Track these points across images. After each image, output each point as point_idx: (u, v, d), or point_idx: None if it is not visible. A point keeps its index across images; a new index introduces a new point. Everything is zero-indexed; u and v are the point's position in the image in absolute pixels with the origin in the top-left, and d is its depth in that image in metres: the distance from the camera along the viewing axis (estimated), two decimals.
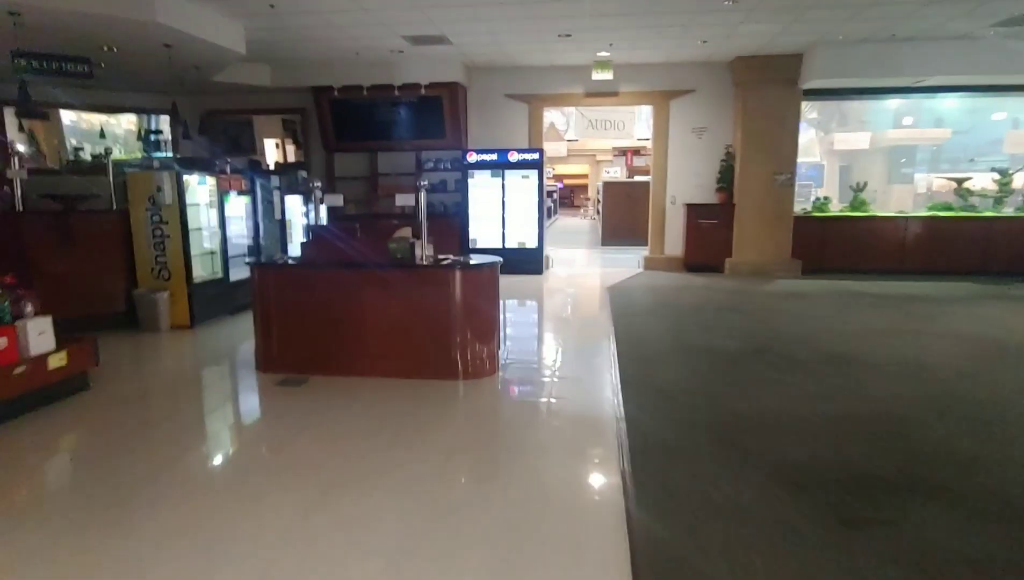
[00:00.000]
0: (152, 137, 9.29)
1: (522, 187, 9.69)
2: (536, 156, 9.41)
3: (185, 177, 5.94)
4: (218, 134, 10.80)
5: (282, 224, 7.57)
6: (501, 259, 4.94)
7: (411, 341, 4.56)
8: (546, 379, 4.76)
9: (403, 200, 5.20)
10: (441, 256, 4.80)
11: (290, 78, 9.55)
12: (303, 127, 10.43)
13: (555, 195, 26.83)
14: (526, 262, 9.61)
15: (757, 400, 4.20)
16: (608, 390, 4.38)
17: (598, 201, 25.50)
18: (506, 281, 9.62)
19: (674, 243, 10.08)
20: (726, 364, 5.01)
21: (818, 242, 9.57)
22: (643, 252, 10.55)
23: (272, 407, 4.24)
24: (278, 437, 3.73)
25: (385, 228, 10.26)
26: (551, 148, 31.27)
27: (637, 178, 15.49)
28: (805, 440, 3.57)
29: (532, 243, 9.68)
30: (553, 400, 4.27)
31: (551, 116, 31.16)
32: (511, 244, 9.70)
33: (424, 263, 4.56)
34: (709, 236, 9.65)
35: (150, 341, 5.79)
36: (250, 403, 4.43)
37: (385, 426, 3.79)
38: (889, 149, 14.65)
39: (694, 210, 9.72)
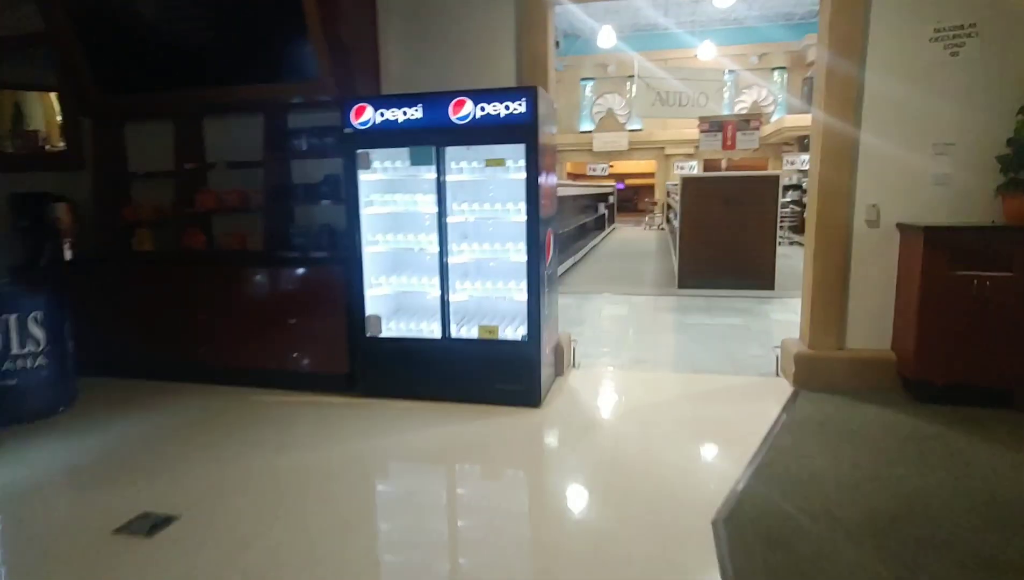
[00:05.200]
0: None
1: (490, 190, 4.02)
2: (521, 105, 3.63)
3: None
4: None
5: None
6: None
7: None
8: None
9: None
10: None
11: None
12: (61, 72, 5.08)
13: (611, 198, 20.88)
14: (503, 379, 3.87)
15: None
16: None
17: (667, 206, 19.37)
18: (434, 442, 2.89)
19: (872, 319, 4.10)
20: None
21: None
22: (777, 323, 4.63)
23: None
24: None
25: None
26: (609, 140, 25.21)
27: (733, 172, 9.51)
28: None
29: (516, 329, 3.95)
30: None
31: (609, 100, 25.19)
32: (466, 331, 4.00)
33: None
34: (986, 311, 3.62)
35: None
36: None
37: None
38: None
39: (938, 242, 3.69)
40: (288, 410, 3.91)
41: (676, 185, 9.90)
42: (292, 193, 4.66)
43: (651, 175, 25.74)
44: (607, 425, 3.62)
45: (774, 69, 23.49)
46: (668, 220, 16.53)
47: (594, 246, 14.13)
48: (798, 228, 14.41)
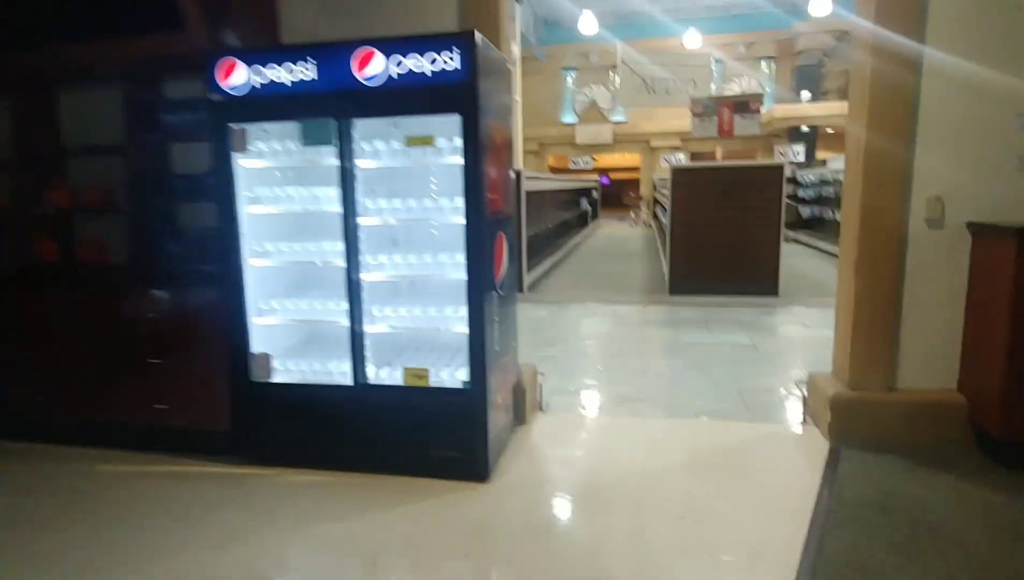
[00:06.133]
0: None
1: (429, 182, 2.94)
2: (452, 58, 2.55)
3: None
4: None
5: None
6: None
7: None
8: None
9: None
10: None
11: None
12: None
13: (595, 193, 19.86)
14: (437, 441, 2.79)
15: None
16: None
17: (654, 202, 18.36)
18: (323, 552, 2.21)
19: (933, 349, 3.08)
20: None
21: None
22: (789, 340, 3.62)
23: None
24: None
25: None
26: (592, 133, 24.11)
27: (731, 162, 8.53)
28: None
29: (456, 371, 2.87)
30: None
31: (593, 91, 24.09)
32: (389, 374, 2.92)
33: None
34: None
35: None
36: None
37: None
38: None
39: None
40: (136, 488, 2.80)
41: (664, 179, 8.87)
42: (169, 187, 3.54)
43: (637, 169, 24.78)
44: (580, 516, 2.56)
45: (761, 59, 22.61)
46: (655, 216, 15.53)
47: (576, 245, 13.10)
48: (793, 224, 13.48)
